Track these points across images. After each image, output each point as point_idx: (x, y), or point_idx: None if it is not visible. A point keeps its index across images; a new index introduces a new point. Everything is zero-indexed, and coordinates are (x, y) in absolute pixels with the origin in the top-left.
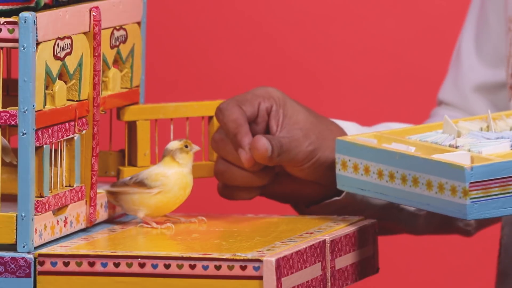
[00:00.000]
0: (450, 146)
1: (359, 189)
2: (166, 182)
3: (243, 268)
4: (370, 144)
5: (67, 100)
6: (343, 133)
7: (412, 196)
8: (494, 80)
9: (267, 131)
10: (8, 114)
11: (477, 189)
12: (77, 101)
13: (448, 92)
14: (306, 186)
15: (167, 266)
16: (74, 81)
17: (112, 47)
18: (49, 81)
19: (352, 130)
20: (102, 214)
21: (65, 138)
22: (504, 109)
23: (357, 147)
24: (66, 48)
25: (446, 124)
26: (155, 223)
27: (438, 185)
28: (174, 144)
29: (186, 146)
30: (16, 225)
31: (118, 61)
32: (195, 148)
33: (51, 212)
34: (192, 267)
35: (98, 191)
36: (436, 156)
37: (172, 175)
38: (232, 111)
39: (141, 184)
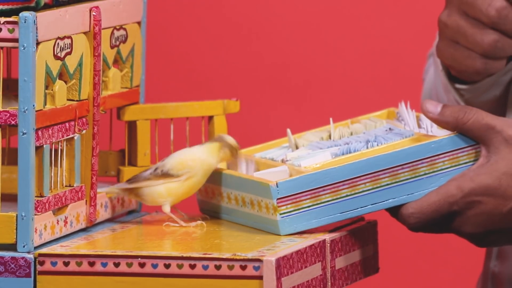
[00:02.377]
0: (282, 161)
1: (214, 212)
2: (193, 166)
3: (243, 268)
4: (217, 169)
5: (67, 100)
6: None
7: (245, 216)
8: None
9: None
10: (8, 114)
11: (286, 204)
12: (77, 101)
13: None
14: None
15: (167, 266)
16: (74, 81)
17: (112, 47)
18: (49, 81)
19: None
20: (102, 214)
21: (65, 138)
22: None
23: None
24: (66, 47)
25: (288, 137)
26: (184, 222)
27: (257, 203)
28: (231, 140)
29: (236, 151)
30: (16, 225)
31: (118, 61)
32: (236, 159)
33: (51, 212)
34: (192, 267)
35: (110, 190)
36: (257, 174)
37: (200, 160)
38: None
39: (167, 175)
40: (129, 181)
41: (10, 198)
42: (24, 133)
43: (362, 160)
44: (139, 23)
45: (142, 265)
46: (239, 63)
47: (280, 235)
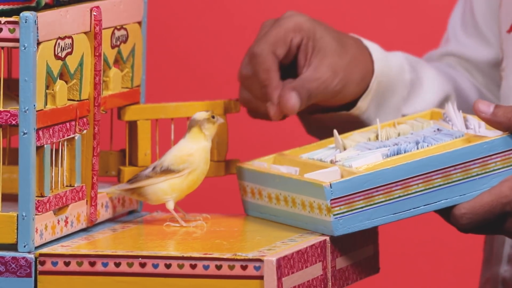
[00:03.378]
0: (331, 161)
1: (259, 213)
2: (193, 160)
3: (244, 267)
4: (259, 169)
5: (68, 99)
6: (367, 56)
7: (295, 216)
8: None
9: (294, 64)
10: (9, 114)
11: (340, 205)
12: (78, 100)
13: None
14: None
15: (168, 266)
16: (75, 80)
17: (113, 47)
18: (50, 80)
19: (376, 52)
20: (102, 213)
21: (66, 137)
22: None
23: (251, 173)
24: (67, 47)
25: (335, 138)
26: (184, 222)
27: (309, 204)
28: (201, 114)
29: (213, 117)
30: (17, 224)
31: (119, 61)
32: (220, 120)
33: (52, 211)
34: (193, 266)
35: (111, 190)
36: (308, 175)
37: (197, 151)
38: (265, 58)
39: (168, 171)
40: (130, 181)
41: (11, 198)
42: (24, 133)
43: (414, 161)
44: (139, 23)
45: (142, 265)
46: (239, 63)
47: (332, 235)
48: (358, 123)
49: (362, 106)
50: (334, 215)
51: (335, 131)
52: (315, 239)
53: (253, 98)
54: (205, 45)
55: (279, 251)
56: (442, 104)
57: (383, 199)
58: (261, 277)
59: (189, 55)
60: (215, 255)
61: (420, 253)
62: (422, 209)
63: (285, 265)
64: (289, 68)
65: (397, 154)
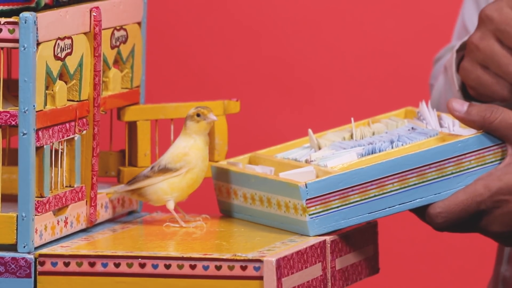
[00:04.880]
0: (306, 161)
1: (235, 212)
2: (189, 159)
3: (244, 268)
4: (234, 169)
5: (68, 100)
6: None
7: (270, 216)
8: None
9: None
10: (9, 114)
11: (315, 205)
12: (77, 101)
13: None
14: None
15: (168, 266)
16: (74, 81)
17: (112, 47)
18: (50, 81)
19: None
20: (102, 214)
21: (65, 138)
22: None
23: (225, 173)
24: (66, 48)
25: (310, 138)
26: (184, 222)
27: (284, 204)
28: (189, 111)
29: (198, 115)
30: (17, 225)
31: (118, 61)
32: (211, 118)
33: (51, 212)
34: (193, 267)
35: (111, 191)
36: (283, 175)
37: (191, 150)
38: None
39: (165, 170)
40: (129, 182)
41: (11, 199)
42: (24, 134)
43: (389, 160)
44: (139, 23)
45: (142, 265)
46: (239, 63)
47: (309, 236)
48: None
49: None
50: (309, 215)
51: (310, 131)
52: (314, 240)
53: (488, 77)
54: (205, 45)
55: (278, 251)
56: None
57: (358, 199)
58: (260, 278)
59: (188, 56)
60: (215, 255)
61: (420, 253)
62: (397, 208)
63: (285, 266)
64: None
65: (372, 153)
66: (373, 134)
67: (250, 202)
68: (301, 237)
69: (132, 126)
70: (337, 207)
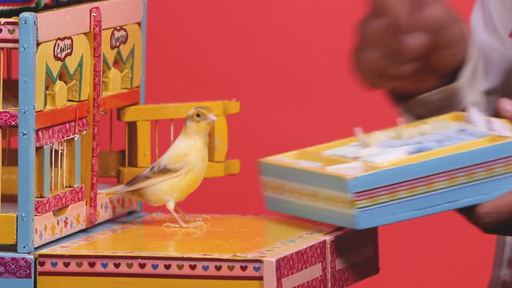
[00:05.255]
0: (353, 158)
1: (282, 208)
2: (189, 160)
3: (244, 268)
4: (282, 164)
5: (68, 100)
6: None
7: (318, 211)
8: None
9: None
10: (9, 115)
11: (363, 198)
12: (77, 101)
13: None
14: (425, 79)
15: (168, 267)
16: (74, 81)
17: (112, 48)
18: (50, 81)
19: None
20: (102, 214)
21: (65, 138)
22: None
23: (273, 168)
24: (66, 48)
25: (358, 136)
26: (184, 223)
27: (332, 198)
28: (189, 111)
29: (198, 115)
30: (17, 225)
31: (118, 62)
32: (211, 118)
33: (51, 212)
34: (193, 267)
35: (111, 192)
36: (330, 169)
37: (191, 151)
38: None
39: (165, 171)
40: (129, 183)
41: (10, 199)
42: (24, 134)
43: (438, 158)
44: (139, 23)
45: (142, 265)
46: (239, 63)
47: (355, 228)
48: (452, 105)
49: (466, 78)
50: (358, 208)
51: (357, 129)
52: (314, 240)
53: (380, 57)
54: (205, 45)
55: (278, 251)
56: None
57: (406, 195)
58: (260, 278)
59: (188, 56)
60: (215, 255)
61: (420, 253)
62: (445, 207)
63: (285, 266)
64: None
65: (420, 151)
66: (422, 134)
67: (297, 197)
68: (301, 237)
69: (132, 127)
70: (384, 202)
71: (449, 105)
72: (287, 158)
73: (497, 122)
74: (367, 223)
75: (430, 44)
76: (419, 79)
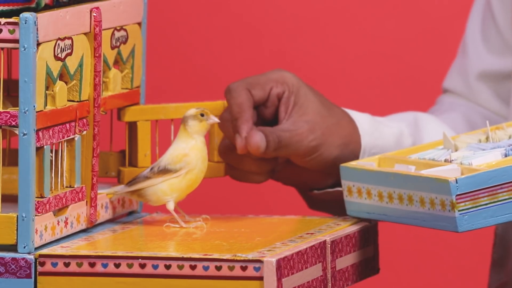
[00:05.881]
0: (445, 161)
1: (365, 212)
2: (189, 160)
3: (244, 268)
4: (369, 168)
5: (68, 100)
6: (354, 127)
7: (410, 214)
8: (500, 68)
9: (275, 115)
10: (9, 115)
11: (465, 201)
12: (77, 101)
13: (453, 80)
14: (311, 174)
15: (168, 267)
16: (74, 81)
17: (112, 48)
18: (50, 81)
19: (364, 124)
20: (102, 214)
21: (65, 138)
22: (507, 99)
23: (358, 172)
24: (66, 48)
25: (445, 139)
26: (184, 223)
27: (429, 201)
28: (189, 111)
29: (202, 115)
30: (17, 225)
31: (118, 62)
32: (213, 119)
33: (51, 212)
34: (193, 267)
35: (111, 191)
36: (426, 172)
37: (191, 151)
38: (239, 93)
39: (165, 171)
40: (129, 183)
41: (11, 199)
42: (24, 134)
43: None
44: (139, 24)
45: (142, 266)
46: (240, 63)
47: (456, 231)
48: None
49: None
50: (459, 210)
51: (444, 132)
52: (315, 240)
53: (233, 148)
54: (205, 45)
55: (279, 252)
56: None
57: (507, 197)
58: (261, 278)
59: (189, 56)
60: (215, 256)
61: (420, 253)
62: None
63: (285, 266)
64: (272, 123)
65: None
66: (510, 137)
67: (386, 201)
68: (301, 237)
69: (132, 127)
70: (486, 204)
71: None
72: (372, 163)
73: None
74: (467, 225)
75: (269, 154)
76: (310, 176)
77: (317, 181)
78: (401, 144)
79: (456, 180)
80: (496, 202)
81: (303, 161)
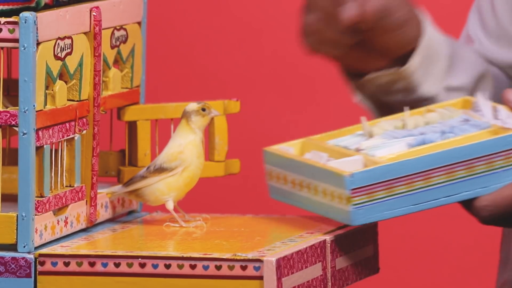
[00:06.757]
0: (356, 149)
1: (284, 198)
2: (185, 158)
3: (244, 268)
4: (285, 155)
5: (68, 100)
6: (419, 19)
7: (317, 205)
8: (502, 59)
9: None
10: (9, 114)
11: (360, 195)
12: (77, 101)
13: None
14: (376, 59)
15: (168, 266)
16: (74, 81)
17: (112, 47)
18: (50, 81)
19: (427, 20)
20: (102, 214)
21: (65, 138)
22: None
23: (276, 157)
24: (66, 48)
25: (363, 125)
26: (184, 222)
27: (330, 193)
28: (191, 106)
29: (204, 110)
30: (17, 225)
31: (118, 61)
32: (214, 113)
33: (51, 212)
34: (193, 267)
35: (110, 191)
36: (331, 163)
37: (186, 147)
38: None
39: (161, 170)
40: (126, 184)
41: (11, 199)
42: (24, 134)
43: (437, 152)
44: (139, 23)
45: (142, 265)
46: (240, 63)
47: (352, 225)
48: (405, 91)
49: (414, 63)
50: (353, 205)
51: (363, 118)
52: (315, 239)
53: (319, 20)
54: (205, 45)
55: (278, 251)
56: (480, 79)
57: (404, 190)
58: (261, 278)
59: (189, 55)
60: (215, 255)
61: (420, 253)
62: (444, 201)
63: (285, 265)
64: None
65: (422, 144)
66: (427, 124)
67: (298, 189)
68: (301, 236)
69: (132, 126)
70: (382, 197)
71: (402, 90)
72: (291, 148)
73: (503, 111)
74: (362, 219)
75: (369, 24)
76: (367, 57)
77: (375, 67)
78: (442, 50)
79: (351, 174)
80: (392, 196)
81: (391, 35)
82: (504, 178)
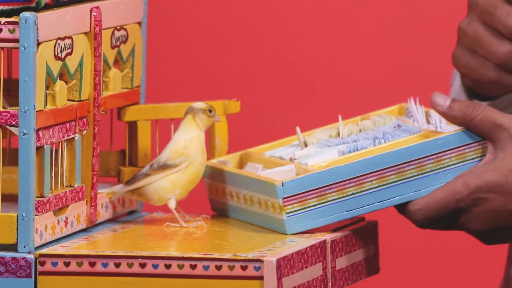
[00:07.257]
0: (290, 159)
1: (224, 210)
2: (189, 152)
3: (244, 268)
4: (221, 168)
5: (68, 100)
6: None
7: (254, 215)
8: None
9: None
10: (9, 114)
11: (292, 203)
12: (77, 101)
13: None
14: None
15: (168, 266)
16: (74, 81)
17: (112, 47)
18: (50, 81)
19: None
20: (102, 214)
21: (65, 138)
22: None
23: (214, 171)
24: (66, 48)
25: (298, 135)
26: (184, 222)
27: (264, 203)
28: (199, 104)
29: (210, 111)
30: (17, 225)
31: (118, 61)
32: (217, 118)
33: (51, 212)
34: (193, 267)
35: (111, 191)
36: (264, 173)
37: (192, 142)
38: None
39: (165, 167)
40: (128, 182)
41: (11, 199)
42: (24, 134)
43: (368, 158)
44: (139, 23)
45: (142, 265)
46: (240, 63)
47: (287, 234)
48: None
49: None
50: (286, 213)
51: (297, 128)
52: (315, 240)
53: (475, 61)
54: (205, 45)
55: (279, 251)
56: None
57: (336, 197)
58: (261, 278)
59: (189, 56)
60: (215, 255)
61: (420, 253)
62: (376, 206)
63: (285, 266)
64: None
65: (354, 151)
66: (360, 131)
67: (236, 200)
68: (301, 237)
69: (132, 126)
70: (314, 205)
71: None
72: (228, 161)
73: (435, 115)
74: (296, 227)
75: None
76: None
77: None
78: None
79: (282, 183)
80: (325, 203)
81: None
82: (435, 182)
